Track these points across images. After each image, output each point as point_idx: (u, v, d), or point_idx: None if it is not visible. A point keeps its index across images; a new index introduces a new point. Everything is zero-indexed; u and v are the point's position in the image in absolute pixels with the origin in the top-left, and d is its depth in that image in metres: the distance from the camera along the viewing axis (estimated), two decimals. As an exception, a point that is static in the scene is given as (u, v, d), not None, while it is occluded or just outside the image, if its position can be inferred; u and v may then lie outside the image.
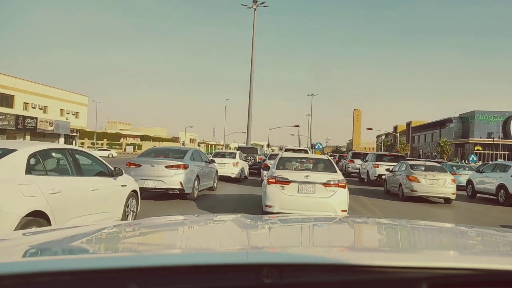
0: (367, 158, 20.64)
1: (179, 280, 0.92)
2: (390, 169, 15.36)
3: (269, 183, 7.57)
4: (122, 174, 5.88)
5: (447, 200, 13.06)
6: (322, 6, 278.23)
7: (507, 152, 71.19)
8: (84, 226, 1.86)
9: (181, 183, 9.67)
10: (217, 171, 13.33)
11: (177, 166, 9.76)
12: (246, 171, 18.90)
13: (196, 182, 10.45)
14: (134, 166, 9.88)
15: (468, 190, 16.04)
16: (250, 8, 34.26)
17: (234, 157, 17.73)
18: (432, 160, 32.58)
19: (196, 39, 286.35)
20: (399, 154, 21.60)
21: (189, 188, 10.03)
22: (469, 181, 15.99)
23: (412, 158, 35.01)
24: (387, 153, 24.90)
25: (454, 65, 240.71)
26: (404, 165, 14.19)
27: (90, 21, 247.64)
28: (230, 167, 16.98)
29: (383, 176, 17.53)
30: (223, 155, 18.21)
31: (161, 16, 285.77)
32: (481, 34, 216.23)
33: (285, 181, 7.44)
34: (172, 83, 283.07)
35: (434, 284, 0.95)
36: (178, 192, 9.78)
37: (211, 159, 12.94)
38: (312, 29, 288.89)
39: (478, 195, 15.49)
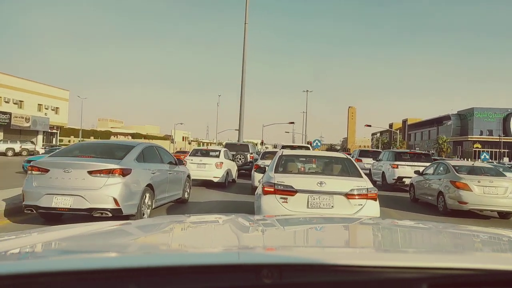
0: (381, 157, 17.10)
1: (179, 280, 0.91)
2: (420, 171, 11.76)
3: (265, 192, 5.45)
4: None
5: (507, 215, 9.53)
6: (317, 4, 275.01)
7: (507, 150, 69.07)
8: (84, 226, 1.74)
9: (115, 199, 5.86)
10: (189, 176, 9.51)
11: (109, 172, 5.92)
12: (234, 173, 15.32)
13: (147, 195, 6.68)
14: (38, 172, 5.97)
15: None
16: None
17: (218, 156, 14.05)
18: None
19: (189, 36, 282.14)
20: (424, 152, 17.94)
21: (131, 207, 6.20)
22: (520, 187, 12.48)
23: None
24: (409, 150, 21.37)
25: (450, 63, 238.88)
26: (444, 166, 10.55)
27: (82, 19, 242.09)
28: (212, 168, 13.36)
29: (404, 179, 14.30)
30: (204, 154, 14.50)
31: (153, 13, 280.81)
32: (478, 31, 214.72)
33: (289, 191, 5.36)
34: (166, 81, 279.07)
35: (434, 284, 0.94)
36: (111, 214, 5.92)
37: (178, 159, 9.00)
38: (307, 27, 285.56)
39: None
